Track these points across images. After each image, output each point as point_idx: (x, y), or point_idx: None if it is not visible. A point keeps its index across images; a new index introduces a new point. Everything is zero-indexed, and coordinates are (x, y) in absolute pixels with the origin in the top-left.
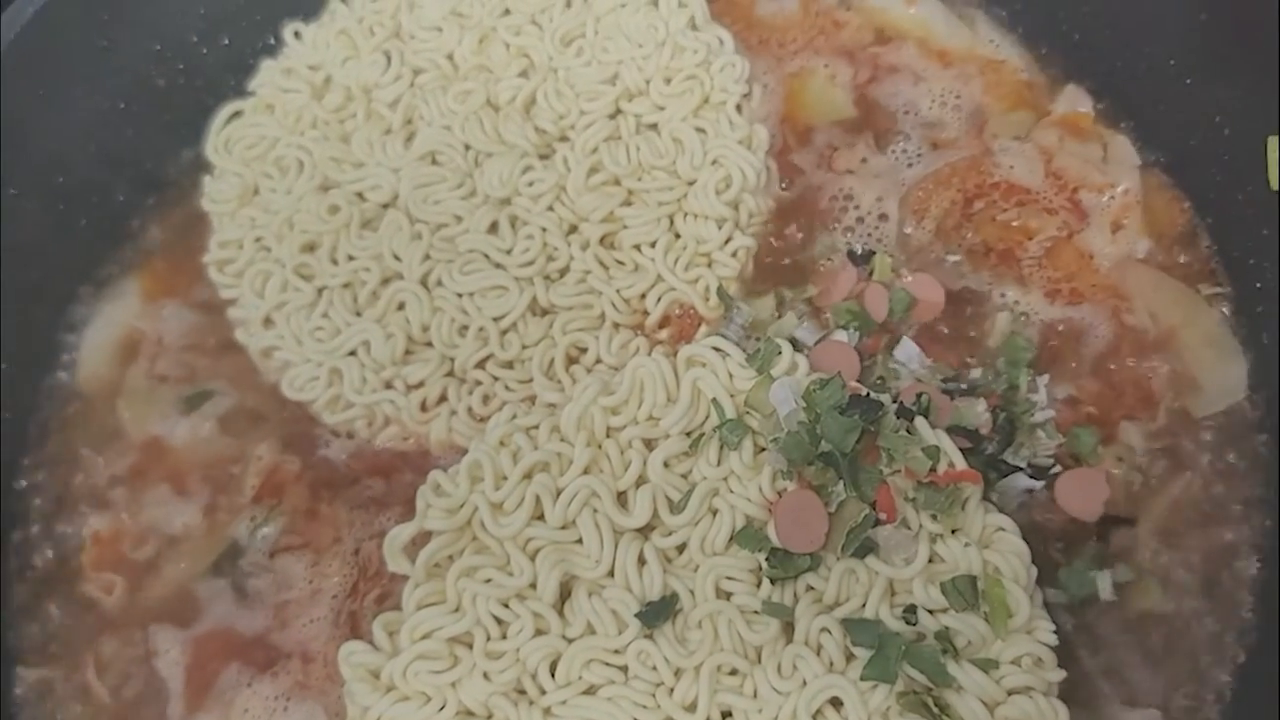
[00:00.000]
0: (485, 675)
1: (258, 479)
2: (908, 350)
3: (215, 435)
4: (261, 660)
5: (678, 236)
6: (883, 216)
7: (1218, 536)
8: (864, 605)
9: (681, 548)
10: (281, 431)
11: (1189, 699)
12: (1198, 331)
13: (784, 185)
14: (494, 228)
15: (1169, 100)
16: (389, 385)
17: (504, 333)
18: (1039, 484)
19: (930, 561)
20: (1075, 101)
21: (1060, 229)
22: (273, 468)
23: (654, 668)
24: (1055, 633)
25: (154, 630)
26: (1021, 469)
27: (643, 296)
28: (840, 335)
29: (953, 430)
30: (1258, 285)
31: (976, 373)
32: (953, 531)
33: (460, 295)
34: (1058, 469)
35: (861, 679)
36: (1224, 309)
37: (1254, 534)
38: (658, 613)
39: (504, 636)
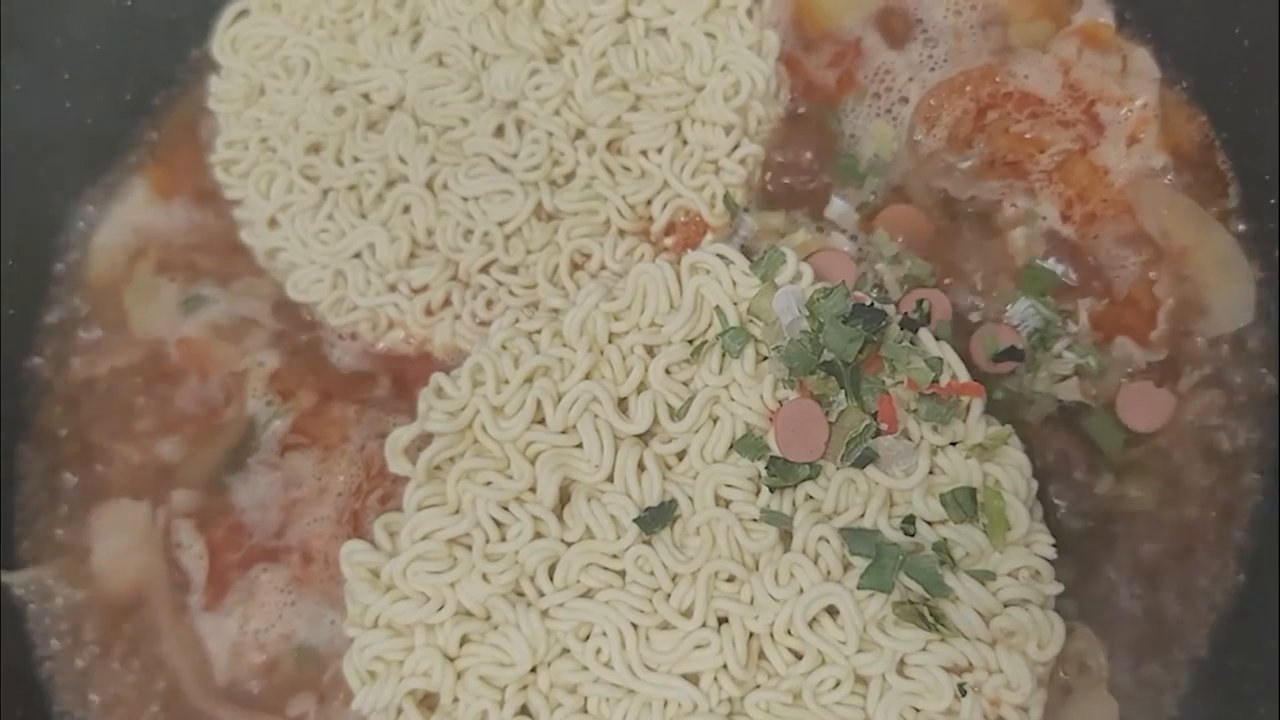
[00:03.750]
0: (484, 576)
1: (261, 382)
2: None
3: (219, 335)
4: (270, 559)
5: (685, 143)
6: (903, 99)
7: (1219, 450)
8: (863, 515)
9: (681, 455)
10: (285, 332)
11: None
12: (1209, 252)
13: (793, 97)
14: (500, 131)
15: (1189, 11)
16: (393, 288)
17: (509, 237)
18: None
19: (930, 473)
20: (1096, 12)
21: (1074, 142)
22: (278, 371)
23: (651, 573)
24: (1054, 546)
25: (176, 524)
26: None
27: (648, 203)
28: (839, 241)
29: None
30: (1271, 202)
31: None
32: (953, 443)
33: (465, 199)
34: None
35: (858, 588)
36: (1237, 227)
37: (1256, 450)
38: (656, 518)
39: (503, 539)
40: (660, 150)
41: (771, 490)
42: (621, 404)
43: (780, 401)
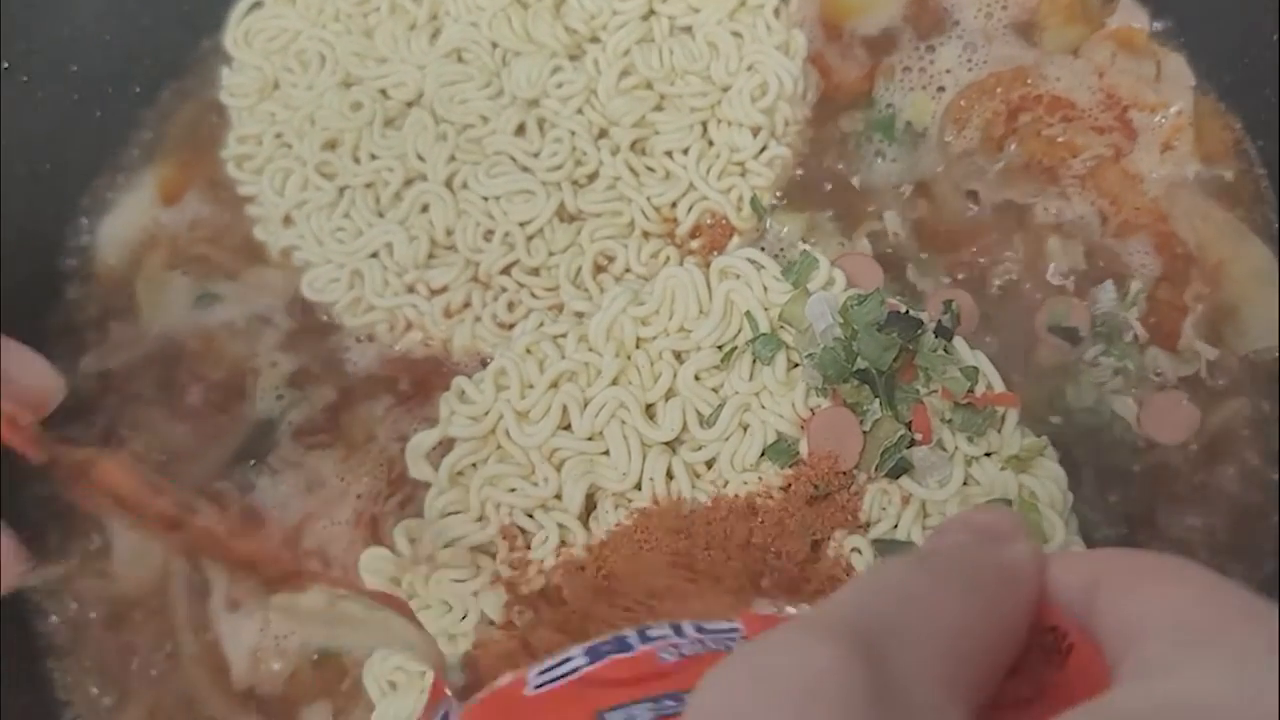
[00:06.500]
0: None
1: (274, 381)
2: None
3: (232, 333)
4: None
5: (711, 144)
6: (941, 89)
7: (1250, 463)
8: (896, 526)
9: (711, 463)
10: (300, 332)
11: None
12: (1244, 264)
13: (821, 97)
14: (521, 129)
15: (1224, 17)
16: (411, 289)
17: (530, 238)
18: None
19: (965, 484)
20: (1130, 16)
21: (1107, 148)
22: (293, 370)
23: None
24: None
25: None
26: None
27: (674, 205)
28: (863, 244)
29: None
30: None
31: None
32: (988, 454)
33: (486, 199)
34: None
35: None
36: (1272, 236)
37: None
38: None
39: (528, 547)
40: (686, 151)
41: None
42: (649, 410)
43: (812, 410)
